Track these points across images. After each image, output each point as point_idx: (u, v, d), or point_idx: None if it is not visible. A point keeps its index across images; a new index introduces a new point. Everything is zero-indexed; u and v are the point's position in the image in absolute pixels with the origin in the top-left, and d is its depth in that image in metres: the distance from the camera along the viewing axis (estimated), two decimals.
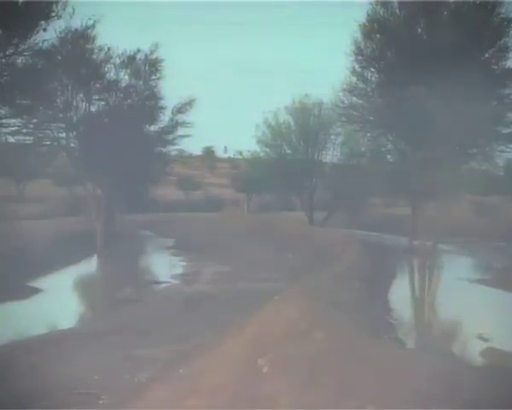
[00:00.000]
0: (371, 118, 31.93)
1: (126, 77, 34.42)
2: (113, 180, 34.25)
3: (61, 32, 29.26)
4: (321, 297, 16.43)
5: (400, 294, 23.56)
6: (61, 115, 32.67)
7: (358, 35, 30.45)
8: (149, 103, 35.27)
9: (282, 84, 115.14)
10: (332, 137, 44.37)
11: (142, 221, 45.19)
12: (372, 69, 31.14)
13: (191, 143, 72.67)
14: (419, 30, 29.49)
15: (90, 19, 30.70)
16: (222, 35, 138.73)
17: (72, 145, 34.47)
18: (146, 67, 34.56)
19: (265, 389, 8.84)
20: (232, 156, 79.12)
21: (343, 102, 32.78)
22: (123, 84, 34.47)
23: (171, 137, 36.98)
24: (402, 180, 30.56)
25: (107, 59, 33.34)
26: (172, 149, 39.01)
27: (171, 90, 36.19)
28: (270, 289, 19.50)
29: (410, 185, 30.11)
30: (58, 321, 17.16)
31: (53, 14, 25.85)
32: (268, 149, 46.64)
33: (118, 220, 38.21)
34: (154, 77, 34.92)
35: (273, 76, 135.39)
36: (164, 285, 25.13)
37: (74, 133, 33.97)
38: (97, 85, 33.35)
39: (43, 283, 23.58)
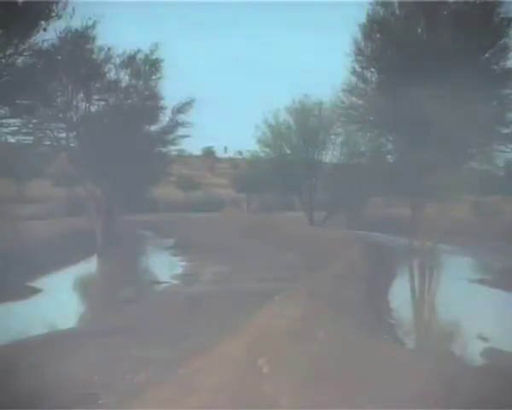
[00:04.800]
0: (371, 118, 31.84)
1: (126, 77, 34.53)
2: (113, 180, 34.26)
3: (61, 32, 29.29)
4: (321, 297, 16.43)
5: (400, 294, 23.56)
6: (61, 115, 32.69)
7: (358, 35, 30.36)
8: (149, 103, 35.32)
9: (282, 84, 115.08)
10: (332, 137, 44.39)
11: (142, 221, 45.20)
12: (372, 69, 31.05)
13: (191, 143, 72.76)
14: (419, 30, 29.41)
15: (90, 19, 30.77)
16: (222, 35, 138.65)
17: (72, 145, 34.50)
18: (146, 67, 34.60)
19: (265, 389, 8.84)
20: (232, 156, 79.29)
21: (343, 103, 32.68)
22: (123, 85, 34.54)
23: (171, 137, 37.04)
24: (402, 180, 30.45)
25: (108, 59, 33.41)
26: (172, 149, 39.14)
27: (171, 90, 36.26)
28: (270, 289, 19.50)
29: (409, 185, 30.00)
30: (58, 321, 17.16)
31: (53, 14, 25.79)
32: (268, 149, 46.71)
33: (118, 220, 38.22)
34: (154, 77, 34.99)
35: (273, 76, 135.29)
36: (164, 285, 25.14)
37: (74, 133, 34.01)
38: (97, 85, 33.38)
39: (43, 283, 23.59)
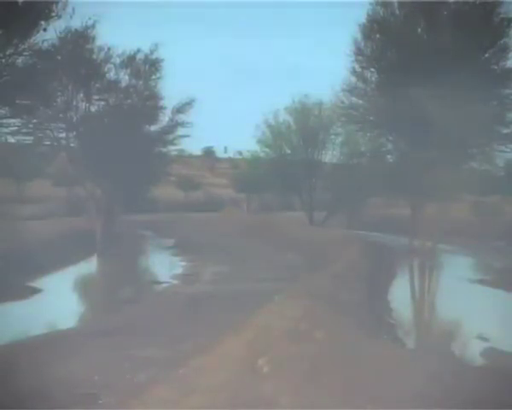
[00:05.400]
0: (371, 118, 31.90)
1: (126, 77, 34.52)
2: (113, 180, 34.25)
3: (61, 32, 29.27)
4: (321, 297, 16.43)
5: (400, 294, 23.55)
6: (61, 115, 32.68)
7: (358, 35, 30.45)
8: (149, 103, 35.32)
9: (282, 85, 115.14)
10: (332, 137, 44.44)
11: (142, 221, 45.18)
12: (372, 69, 31.12)
13: (191, 143, 72.78)
14: (419, 30, 29.46)
15: (90, 19, 30.76)
16: (222, 35, 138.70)
17: (72, 145, 34.50)
18: (146, 67, 34.60)
19: (265, 389, 8.84)
20: (232, 156, 79.31)
21: (343, 102, 32.77)
22: (123, 84, 34.54)
23: (171, 137, 37.04)
24: (402, 180, 30.53)
25: (107, 59, 33.40)
26: (172, 149, 39.13)
27: (171, 90, 36.25)
28: (270, 289, 19.50)
29: (409, 185, 30.07)
30: (58, 321, 17.16)
31: (53, 14, 25.83)
32: (268, 149, 46.75)
33: (118, 220, 38.21)
34: (154, 77, 34.99)
35: (273, 76, 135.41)
36: (164, 285, 25.12)
37: (74, 133, 34.00)
38: (97, 85, 33.37)
39: (43, 283, 23.58)
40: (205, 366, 10.35)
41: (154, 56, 34.53)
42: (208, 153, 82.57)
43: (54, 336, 14.81)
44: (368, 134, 33.97)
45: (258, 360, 9.80)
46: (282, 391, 8.74)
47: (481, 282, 26.50)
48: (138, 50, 34.31)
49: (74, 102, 33.03)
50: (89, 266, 30.96)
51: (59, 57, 29.27)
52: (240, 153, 58.35)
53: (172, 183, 54.33)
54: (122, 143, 32.27)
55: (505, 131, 29.92)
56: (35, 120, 30.25)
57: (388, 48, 30.03)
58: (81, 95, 33.16)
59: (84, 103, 33.47)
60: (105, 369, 11.92)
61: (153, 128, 36.68)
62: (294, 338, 10.71)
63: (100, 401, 10.41)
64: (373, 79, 31.40)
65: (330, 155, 45.77)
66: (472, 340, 16.34)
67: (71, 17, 28.44)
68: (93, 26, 31.11)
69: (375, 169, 33.83)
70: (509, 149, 30.98)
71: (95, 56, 32.59)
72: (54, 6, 25.79)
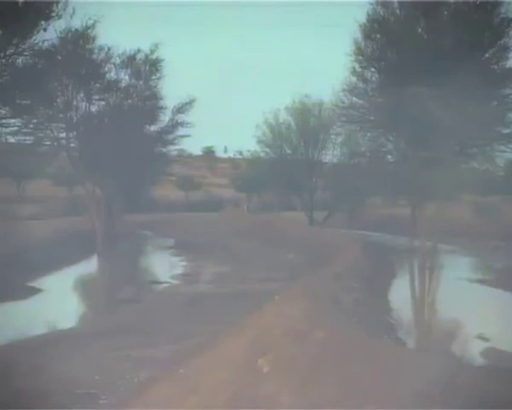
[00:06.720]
0: (371, 118, 31.88)
1: (126, 77, 34.56)
2: (113, 180, 34.28)
3: (61, 32, 29.34)
4: (321, 297, 16.43)
5: (400, 294, 23.54)
6: (61, 115, 32.70)
7: (358, 35, 30.42)
8: (149, 103, 35.35)
9: (282, 84, 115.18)
10: (332, 137, 44.50)
11: (142, 221, 45.20)
12: (372, 69, 31.09)
13: (191, 143, 72.69)
14: (419, 30, 29.43)
15: (90, 19, 30.76)
16: (222, 35, 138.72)
17: (72, 145, 34.51)
18: (146, 67, 34.63)
19: (265, 389, 8.84)
20: (232, 156, 79.32)
21: (343, 102, 32.76)
22: (123, 84, 34.56)
23: (171, 137, 37.08)
24: (402, 180, 30.52)
25: (108, 59, 33.42)
26: (172, 149, 39.16)
27: (171, 90, 36.27)
28: (270, 289, 19.51)
29: (410, 185, 30.06)
30: (58, 321, 17.16)
31: (53, 14, 25.83)
32: (268, 149, 46.82)
33: (118, 220, 38.22)
34: (154, 77, 35.02)
35: (273, 76, 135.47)
36: (164, 285, 25.13)
37: (74, 133, 34.02)
38: (97, 85, 33.39)
39: (43, 283, 23.59)
40: (205, 366, 10.35)
41: (154, 56, 34.60)
42: (208, 153, 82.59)
43: (54, 336, 14.82)
44: (368, 134, 33.96)
45: (258, 359, 9.80)
46: (282, 391, 8.73)
47: (481, 282, 26.48)
48: (138, 50, 34.39)
49: (74, 102, 33.06)
50: (89, 266, 30.96)
51: (59, 57, 29.30)
52: (240, 153, 58.51)
53: (172, 183, 54.37)
54: (122, 143, 32.27)
55: (505, 131, 29.89)
56: (35, 120, 30.28)
57: (388, 48, 30.01)
58: (81, 95, 33.19)
59: (84, 103, 33.53)
60: (105, 369, 11.93)
61: (153, 128, 36.76)
62: (294, 338, 10.70)
63: (100, 401, 10.42)
64: (373, 78, 31.37)
65: (330, 155, 45.89)
66: (472, 340, 16.33)
67: (71, 17, 28.54)
68: (93, 26, 31.15)
69: (375, 169, 33.81)
70: (509, 149, 30.95)
71: (95, 56, 32.61)
72: (54, 6, 25.80)
